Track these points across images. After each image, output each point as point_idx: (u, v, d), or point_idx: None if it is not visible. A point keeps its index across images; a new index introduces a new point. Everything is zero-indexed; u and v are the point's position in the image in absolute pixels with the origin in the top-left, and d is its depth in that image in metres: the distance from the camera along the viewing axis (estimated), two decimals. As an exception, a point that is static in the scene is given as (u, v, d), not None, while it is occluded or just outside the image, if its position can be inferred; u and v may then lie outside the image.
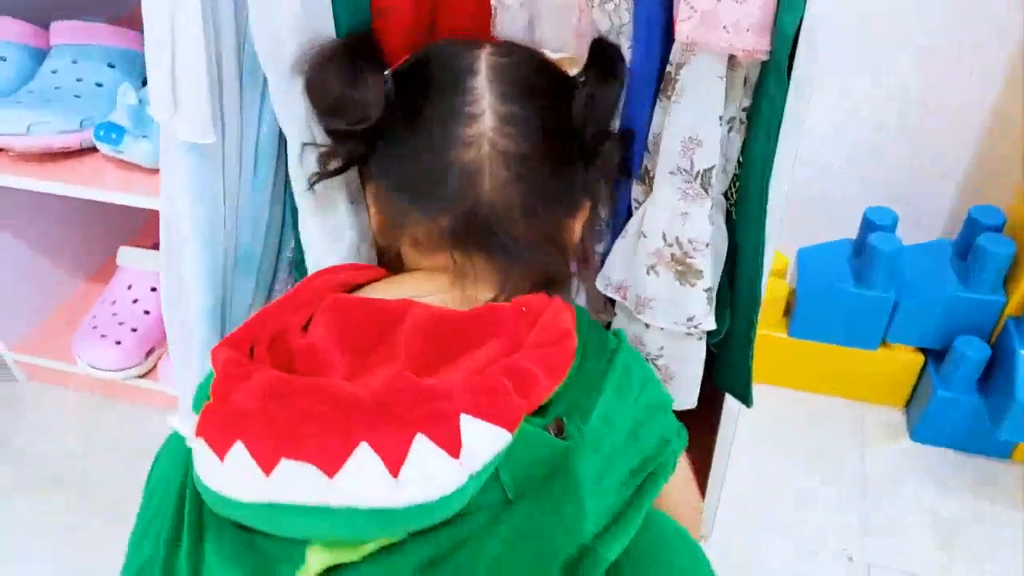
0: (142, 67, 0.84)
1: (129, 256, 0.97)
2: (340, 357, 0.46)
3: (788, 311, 0.96)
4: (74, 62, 0.81)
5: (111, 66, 0.82)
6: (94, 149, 0.79)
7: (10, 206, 0.94)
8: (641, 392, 0.50)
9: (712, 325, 0.58)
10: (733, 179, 0.58)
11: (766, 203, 0.53)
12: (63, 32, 0.82)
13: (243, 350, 0.46)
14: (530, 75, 0.52)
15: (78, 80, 0.80)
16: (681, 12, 0.47)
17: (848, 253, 0.94)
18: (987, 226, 0.86)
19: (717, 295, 0.61)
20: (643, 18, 0.52)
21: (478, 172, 0.49)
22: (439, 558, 0.41)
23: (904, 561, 0.81)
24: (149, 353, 0.94)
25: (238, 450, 0.39)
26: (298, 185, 0.59)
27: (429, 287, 0.51)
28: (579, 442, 0.44)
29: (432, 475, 0.39)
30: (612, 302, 0.64)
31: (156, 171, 0.76)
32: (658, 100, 0.55)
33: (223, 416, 0.41)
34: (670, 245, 0.55)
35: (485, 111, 0.49)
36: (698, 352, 0.61)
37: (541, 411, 0.44)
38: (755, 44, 0.47)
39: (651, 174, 0.57)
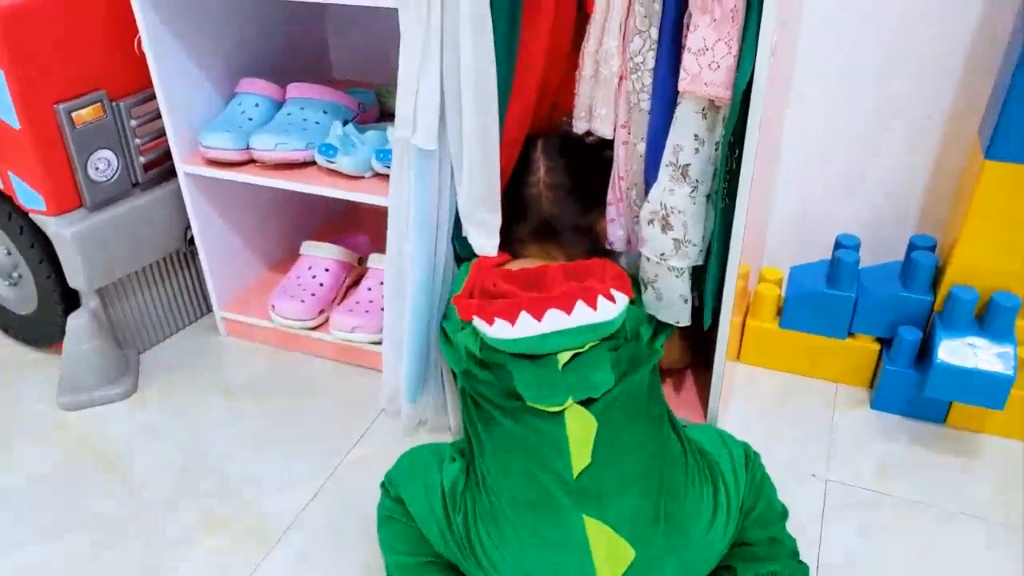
0: (342, 113, 1.27)
1: (310, 247, 1.39)
2: (521, 291, 0.90)
3: (779, 312, 1.30)
4: (301, 108, 1.25)
5: (325, 112, 1.25)
6: (312, 163, 1.21)
7: (230, 203, 1.37)
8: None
9: (679, 263, 0.95)
10: (725, 184, 0.95)
11: (724, 195, 0.91)
12: (295, 90, 1.27)
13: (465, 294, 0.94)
14: (571, 151, 1.05)
15: (304, 119, 1.23)
16: (681, 75, 0.86)
17: (825, 268, 1.28)
18: (922, 247, 1.20)
19: (708, 262, 0.99)
20: (658, 82, 0.92)
21: (538, 197, 1.02)
22: (616, 353, 0.89)
23: (849, 475, 1.12)
24: (321, 312, 1.34)
25: (522, 315, 0.86)
26: None
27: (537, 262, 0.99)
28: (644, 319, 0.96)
29: (607, 310, 0.87)
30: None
31: (356, 177, 1.18)
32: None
33: (504, 306, 0.87)
34: (661, 208, 0.93)
35: (542, 175, 1.02)
36: (677, 284, 0.98)
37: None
38: (722, 94, 0.85)
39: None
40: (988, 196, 1.07)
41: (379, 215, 1.66)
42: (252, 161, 1.23)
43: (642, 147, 0.98)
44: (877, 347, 1.25)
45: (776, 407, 1.25)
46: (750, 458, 0.94)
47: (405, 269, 1.08)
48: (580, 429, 0.84)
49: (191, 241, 1.35)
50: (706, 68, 0.84)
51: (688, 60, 0.85)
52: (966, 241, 1.11)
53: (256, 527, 1.06)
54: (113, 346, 1.28)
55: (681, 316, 0.99)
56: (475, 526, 0.85)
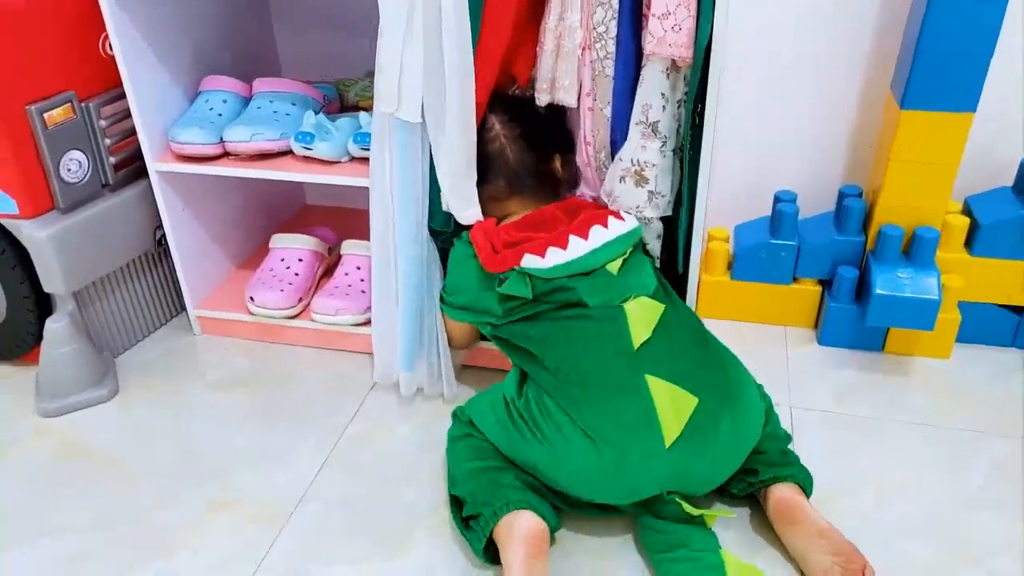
0: (310, 104, 1.32)
1: (281, 239, 1.42)
2: (536, 234, 1.03)
3: (729, 265, 1.42)
4: (271, 101, 1.28)
5: (293, 104, 1.29)
6: (288, 153, 1.25)
7: (200, 200, 1.39)
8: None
9: (652, 214, 1.05)
10: (687, 138, 1.05)
11: (689, 148, 1.02)
12: (261, 84, 1.30)
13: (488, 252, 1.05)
14: (516, 106, 1.14)
15: (274, 112, 1.27)
16: (645, 38, 0.95)
17: (767, 223, 1.40)
18: (851, 195, 1.34)
19: (676, 210, 1.09)
20: (621, 48, 1.01)
21: (502, 151, 1.10)
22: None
23: (811, 402, 1.24)
24: (299, 300, 1.37)
25: (571, 238, 1.00)
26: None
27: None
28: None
29: (630, 220, 1.04)
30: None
31: (332, 163, 1.23)
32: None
33: (548, 238, 1.01)
34: (634, 164, 1.02)
35: (499, 130, 1.10)
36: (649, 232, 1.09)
37: None
38: (684, 54, 0.95)
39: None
40: (906, 141, 1.21)
41: (338, 210, 1.71)
42: (225, 155, 1.26)
43: (608, 111, 1.07)
44: (819, 288, 1.38)
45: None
46: (758, 386, 1.05)
47: (392, 244, 1.14)
48: (643, 313, 0.98)
49: (160, 241, 1.37)
50: (669, 31, 0.94)
51: (653, 24, 0.94)
52: (890, 184, 1.25)
53: (266, 505, 1.08)
54: (92, 348, 1.27)
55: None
56: (540, 401, 0.95)
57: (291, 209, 1.72)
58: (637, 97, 1.02)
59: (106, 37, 1.19)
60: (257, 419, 1.24)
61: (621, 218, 1.04)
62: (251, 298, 1.36)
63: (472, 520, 0.95)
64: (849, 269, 1.32)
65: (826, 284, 1.38)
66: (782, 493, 0.96)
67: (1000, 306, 1.32)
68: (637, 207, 1.05)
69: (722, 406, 0.94)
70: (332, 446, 1.18)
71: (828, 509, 1.02)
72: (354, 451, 1.17)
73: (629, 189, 1.05)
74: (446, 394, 1.24)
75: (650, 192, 1.04)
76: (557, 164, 1.15)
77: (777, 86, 1.40)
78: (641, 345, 0.95)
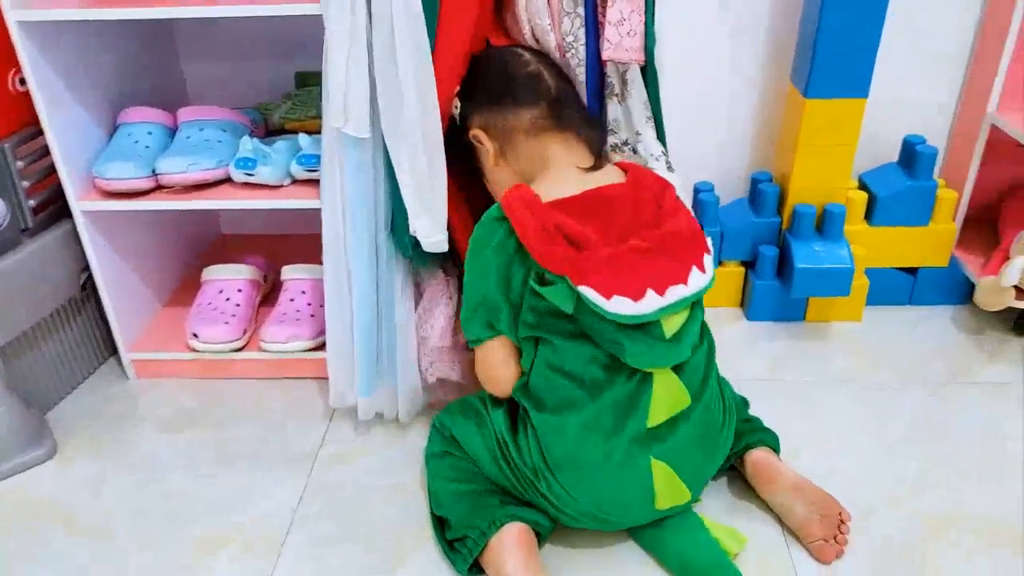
0: (240, 130, 1.28)
1: (215, 271, 1.37)
2: (593, 231, 0.89)
3: (660, 254, 1.50)
4: (200, 130, 1.24)
5: (224, 130, 1.25)
6: (222, 182, 1.21)
7: (126, 238, 1.32)
8: None
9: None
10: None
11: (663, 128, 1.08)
12: (187, 113, 1.26)
13: (536, 232, 0.87)
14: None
15: (206, 140, 1.23)
16: (604, 45, 1.01)
17: (688, 212, 1.50)
18: (763, 180, 1.46)
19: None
20: (590, 53, 1.06)
21: (540, 74, 0.99)
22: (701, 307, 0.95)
23: (748, 374, 1.33)
24: (244, 332, 1.33)
25: (649, 294, 0.86)
26: None
27: (567, 172, 0.97)
28: None
29: (710, 269, 0.92)
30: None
31: (274, 187, 1.20)
32: (606, 97, 1.08)
33: (626, 280, 0.85)
34: (660, 157, 1.07)
35: (531, 57, 1.01)
36: None
37: None
38: (638, 57, 1.01)
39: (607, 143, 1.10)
40: (811, 127, 1.33)
41: (256, 238, 1.67)
42: (158, 188, 1.20)
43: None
44: (743, 269, 1.49)
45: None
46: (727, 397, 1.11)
47: (345, 264, 1.12)
48: (668, 398, 0.91)
49: (83, 285, 1.29)
50: (625, 36, 1.00)
51: (609, 31, 1.00)
52: (799, 168, 1.37)
53: (257, 536, 1.05)
54: (25, 406, 1.18)
55: None
56: (540, 471, 0.93)
57: (207, 241, 1.66)
58: (635, 98, 1.05)
59: (16, 71, 1.12)
60: (223, 456, 1.19)
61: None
62: (194, 335, 1.30)
63: (458, 542, 0.96)
64: (769, 248, 1.43)
65: (749, 264, 1.49)
66: (756, 457, 1.04)
67: (897, 269, 1.47)
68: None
69: (707, 466, 1.00)
70: (309, 471, 1.16)
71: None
72: (333, 472, 1.15)
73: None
74: (400, 416, 1.22)
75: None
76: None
77: (689, 86, 1.50)
78: (655, 426, 0.91)
